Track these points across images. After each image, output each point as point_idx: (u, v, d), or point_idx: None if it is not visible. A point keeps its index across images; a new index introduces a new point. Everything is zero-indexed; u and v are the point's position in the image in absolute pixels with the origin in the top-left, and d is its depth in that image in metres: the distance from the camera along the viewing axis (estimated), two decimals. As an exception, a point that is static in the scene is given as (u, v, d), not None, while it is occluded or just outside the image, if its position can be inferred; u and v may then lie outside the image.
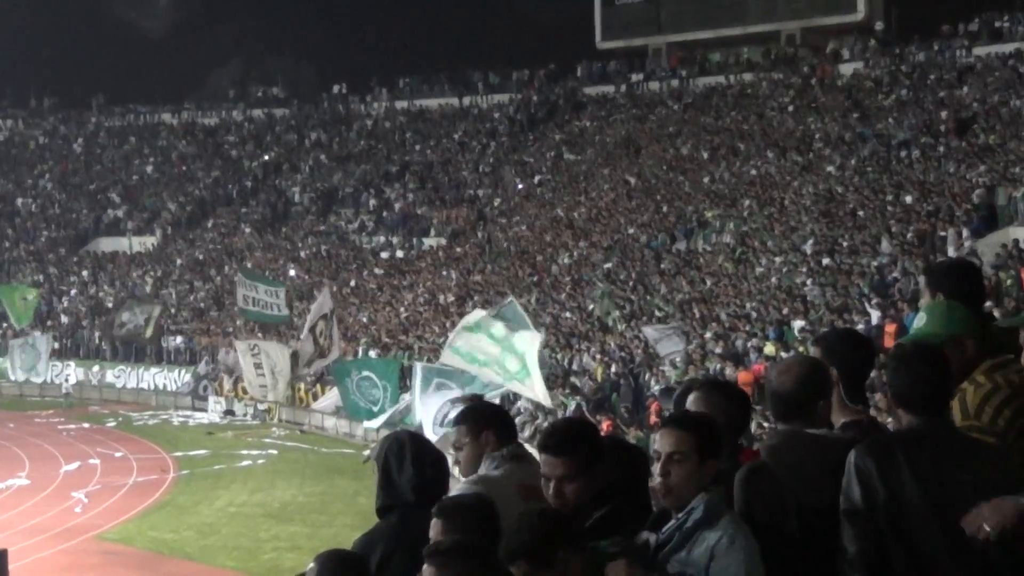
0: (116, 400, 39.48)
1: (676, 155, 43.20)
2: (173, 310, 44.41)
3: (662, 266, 33.36)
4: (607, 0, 55.72)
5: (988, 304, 15.53)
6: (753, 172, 38.53)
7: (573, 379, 26.39)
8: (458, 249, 43.06)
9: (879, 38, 47.23)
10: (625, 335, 28.31)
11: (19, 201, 57.33)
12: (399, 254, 45.03)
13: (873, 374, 10.36)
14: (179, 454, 28.89)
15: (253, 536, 20.72)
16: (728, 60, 51.38)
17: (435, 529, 3.57)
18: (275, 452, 29.36)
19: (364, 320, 38.15)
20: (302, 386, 34.35)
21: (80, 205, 56.27)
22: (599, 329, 29.78)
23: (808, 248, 29.54)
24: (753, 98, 46.35)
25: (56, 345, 42.13)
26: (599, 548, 3.35)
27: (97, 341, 43.11)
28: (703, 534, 3.29)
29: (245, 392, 34.70)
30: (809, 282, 26.91)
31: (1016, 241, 24.47)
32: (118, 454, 29.00)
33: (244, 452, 29.15)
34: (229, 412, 35.56)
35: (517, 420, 22.82)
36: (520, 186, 46.95)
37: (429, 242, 45.25)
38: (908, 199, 30.74)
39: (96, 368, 41.52)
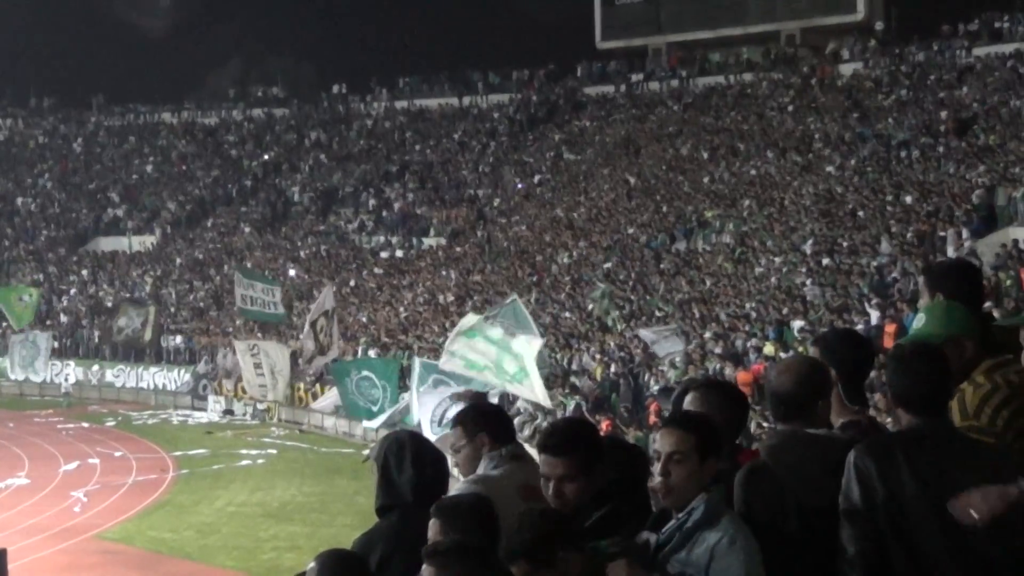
0: (115, 400, 39.46)
1: (676, 155, 43.21)
2: (173, 309, 44.43)
3: (662, 266, 33.36)
4: (607, 0, 55.74)
5: (988, 304, 15.55)
6: (753, 172, 38.54)
7: (572, 379, 26.39)
8: (458, 249, 43.07)
9: (879, 38, 47.26)
10: (624, 335, 28.31)
11: (19, 200, 57.32)
12: (399, 254, 45.04)
13: (873, 374, 10.36)
14: (178, 453, 28.88)
15: (253, 536, 20.71)
16: (728, 60, 51.40)
17: (433, 529, 3.57)
18: (274, 452, 29.36)
19: (364, 320, 38.16)
20: (301, 386, 34.34)
21: (80, 204, 56.26)
22: (598, 329, 29.79)
23: (808, 248, 29.54)
24: (753, 98, 46.36)
25: (56, 344, 42.16)
26: (599, 548, 3.35)
27: (96, 340, 43.11)
28: (703, 534, 3.30)
29: (244, 392, 34.71)
30: (809, 282, 26.90)
31: (1016, 241, 24.46)
32: (117, 453, 28.99)
33: (243, 452, 29.15)
34: (228, 411, 35.56)
35: (517, 420, 22.83)
36: (520, 186, 46.96)
37: (429, 242, 45.26)
38: (908, 199, 30.73)
39: (95, 367, 41.51)
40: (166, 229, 52.67)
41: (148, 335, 40.79)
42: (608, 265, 34.96)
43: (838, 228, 30.54)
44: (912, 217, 29.05)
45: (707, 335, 25.64)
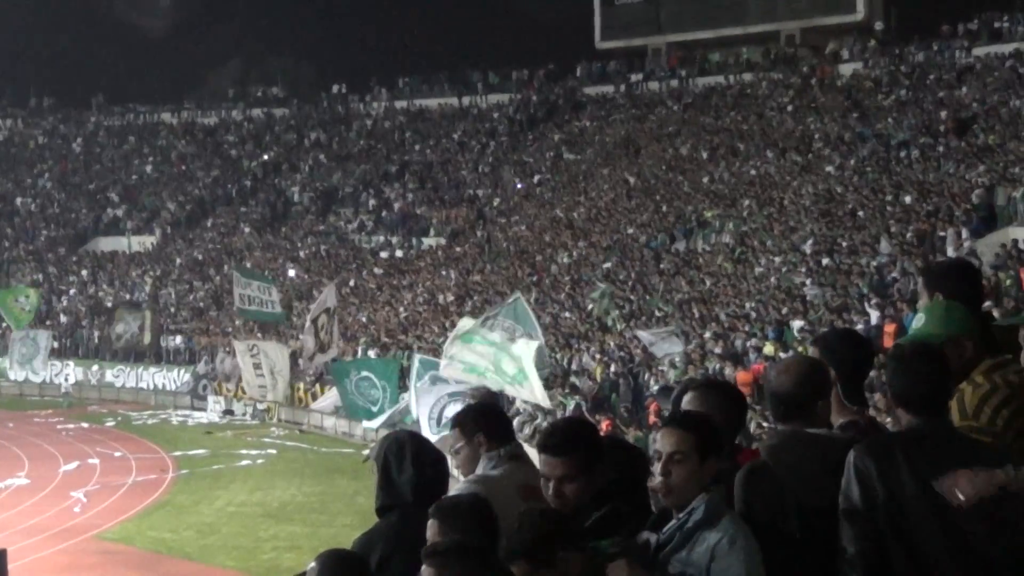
0: (115, 400, 39.45)
1: (676, 155, 43.21)
2: (172, 310, 44.44)
3: (661, 266, 33.36)
4: (607, 0, 55.74)
5: (987, 304, 15.55)
6: (753, 172, 38.54)
7: (572, 379, 26.39)
8: (457, 249, 43.07)
9: (879, 38, 47.27)
10: (624, 335, 28.31)
11: (18, 201, 57.33)
12: (398, 254, 45.05)
13: (873, 374, 10.38)
14: (178, 454, 28.86)
15: (252, 536, 20.70)
16: (728, 60, 51.40)
17: (432, 530, 3.57)
18: (274, 452, 29.34)
19: (363, 320, 38.16)
20: (301, 386, 34.34)
21: (79, 205, 56.26)
22: (598, 329, 29.79)
23: (807, 248, 29.53)
24: (753, 98, 46.36)
25: (55, 345, 42.15)
26: (599, 548, 3.35)
27: (96, 341, 43.12)
28: (704, 534, 3.30)
29: (244, 392, 34.70)
30: (808, 282, 26.90)
31: (1015, 241, 24.45)
32: (117, 454, 28.97)
33: (243, 452, 29.13)
34: (228, 412, 35.56)
35: (516, 420, 22.82)
36: (519, 186, 46.96)
37: (428, 242, 45.26)
38: (907, 199, 30.73)
39: (95, 368, 41.50)
40: (166, 229, 52.67)
41: (147, 338, 40.84)
42: (608, 265, 34.97)
43: (838, 228, 30.53)
44: (912, 217, 29.05)
45: (707, 335, 25.63)
